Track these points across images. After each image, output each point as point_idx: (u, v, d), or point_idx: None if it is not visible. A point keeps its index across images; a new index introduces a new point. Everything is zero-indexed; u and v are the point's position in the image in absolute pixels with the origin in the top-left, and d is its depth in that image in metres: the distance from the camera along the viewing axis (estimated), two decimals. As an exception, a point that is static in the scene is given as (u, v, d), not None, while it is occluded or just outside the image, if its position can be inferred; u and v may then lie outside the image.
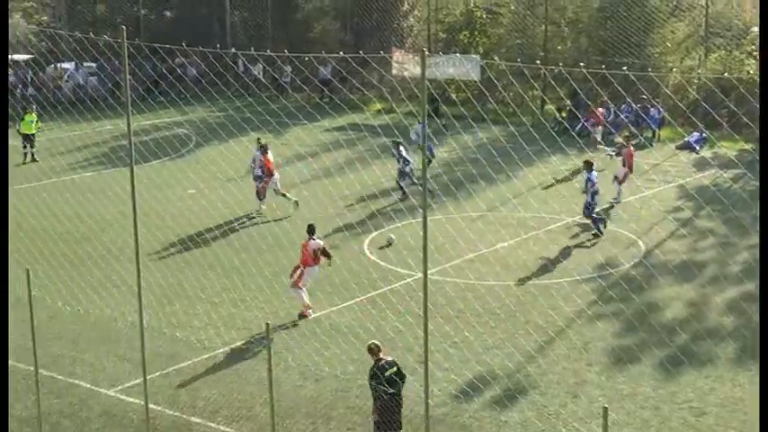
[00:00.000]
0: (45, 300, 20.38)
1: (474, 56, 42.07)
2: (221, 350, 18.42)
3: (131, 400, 16.49)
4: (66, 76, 49.00)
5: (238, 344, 18.65)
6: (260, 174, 27.96)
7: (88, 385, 17.17)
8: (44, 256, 23.99)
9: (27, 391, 16.70)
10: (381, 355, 14.37)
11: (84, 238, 25.75)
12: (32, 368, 15.13)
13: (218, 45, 40.18)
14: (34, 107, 36.67)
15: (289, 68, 46.05)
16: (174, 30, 52.18)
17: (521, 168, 29.79)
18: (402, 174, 29.19)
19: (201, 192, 29.36)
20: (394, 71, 42.70)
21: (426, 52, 11.37)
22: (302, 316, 20.05)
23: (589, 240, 24.92)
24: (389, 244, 24.27)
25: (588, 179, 25.21)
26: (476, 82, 39.91)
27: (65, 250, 24.33)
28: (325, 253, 20.22)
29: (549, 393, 16.57)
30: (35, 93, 45.78)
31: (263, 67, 47.86)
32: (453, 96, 39.59)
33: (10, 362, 17.95)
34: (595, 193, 25.08)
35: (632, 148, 29.01)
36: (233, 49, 46.44)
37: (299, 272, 20.07)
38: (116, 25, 51.14)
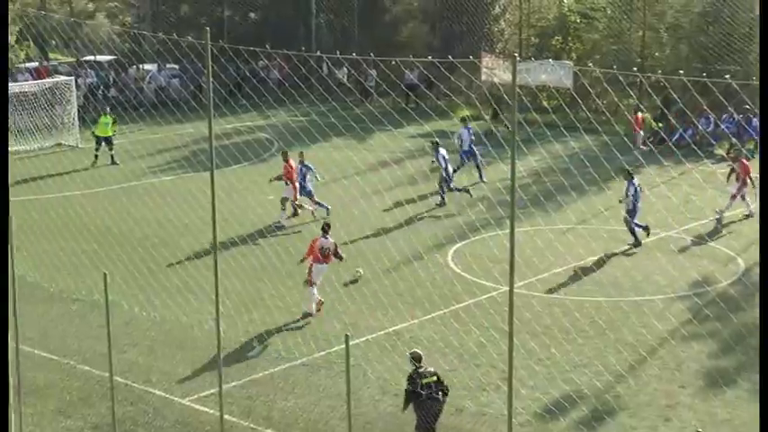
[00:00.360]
0: (122, 305, 20.74)
1: (567, 62, 41.75)
2: (299, 361, 18.54)
3: (206, 409, 16.69)
4: (148, 78, 49.88)
5: (316, 355, 18.76)
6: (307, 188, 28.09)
7: (163, 393, 17.42)
8: (122, 260, 24.45)
9: (102, 398, 17.01)
10: (422, 364, 14.95)
11: (162, 242, 26.16)
12: (107, 374, 15.39)
13: (303, 48, 40.62)
14: (108, 109, 37.44)
15: (374, 72, 46.21)
16: (259, 32, 52.79)
17: (614, 179, 29.45)
18: (443, 178, 29.22)
19: (281, 197, 29.55)
20: (483, 77, 42.57)
21: (517, 57, 11.32)
22: (307, 314, 20.77)
23: (627, 250, 25.00)
24: (356, 279, 22.79)
25: (631, 189, 25.26)
26: (568, 89, 39.60)
27: (143, 255, 24.74)
28: (336, 254, 21.08)
29: (639, 415, 16.33)
30: (117, 94, 46.68)
31: (348, 70, 48.12)
32: (545, 104, 39.31)
33: (85, 368, 18.38)
34: (636, 202, 25.13)
35: (745, 160, 28.38)
36: (317, 52, 46.81)
37: (307, 272, 20.99)
38: (200, 26, 51.74)
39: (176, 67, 49.76)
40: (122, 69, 49.49)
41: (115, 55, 51.44)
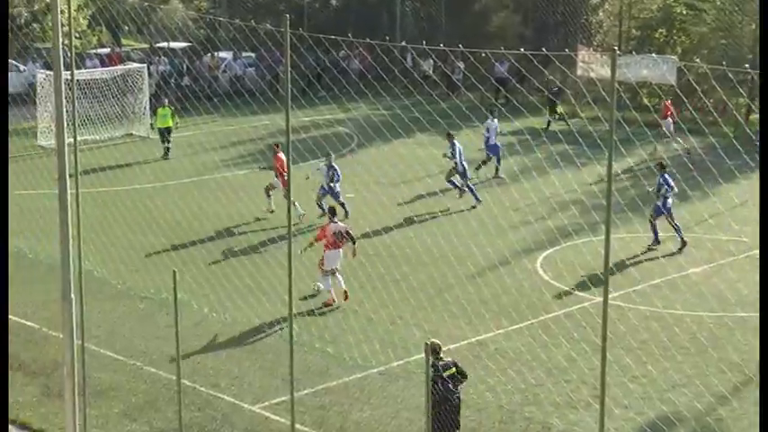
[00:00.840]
0: (191, 305, 20.98)
1: (671, 57, 41.22)
2: (375, 370, 18.56)
3: (276, 418, 16.79)
4: (223, 67, 50.44)
5: (394, 364, 18.76)
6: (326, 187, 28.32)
7: (231, 399, 17.57)
8: (192, 257, 24.75)
9: (168, 402, 17.21)
10: (442, 356, 14.95)
11: (234, 240, 26.41)
12: (174, 377, 15.57)
13: (387, 37, 40.68)
14: (166, 101, 37.97)
15: (462, 65, 46.13)
16: (340, 19, 53.13)
17: (720, 184, 28.95)
18: (458, 171, 29.91)
19: (361, 196, 29.68)
20: (579, 71, 42.24)
21: (617, 51, 11.19)
22: (327, 305, 21.66)
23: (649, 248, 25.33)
24: (316, 294, 22.23)
25: (662, 182, 25.66)
26: (672, 86, 39.09)
27: (214, 252, 24.99)
28: (349, 236, 21.98)
29: (743, 442, 16.05)
30: (190, 83, 47.21)
31: (434, 62, 48.10)
32: (646, 101, 38.87)
33: (152, 370, 18.63)
34: (667, 198, 25.58)
35: None
36: (402, 42, 46.88)
37: (319, 260, 21.97)
38: (278, 13, 52.36)
39: (253, 55, 50.26)
40: (196, 57, 50.10)
41: (189, 42, 52.13)
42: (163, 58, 49.80)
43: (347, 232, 22.08)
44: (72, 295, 14.23)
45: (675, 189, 25.82)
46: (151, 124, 37.48)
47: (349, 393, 17.71)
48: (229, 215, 27.89)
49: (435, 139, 36.27)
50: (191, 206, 28.54)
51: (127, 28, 63.39)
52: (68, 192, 14.16)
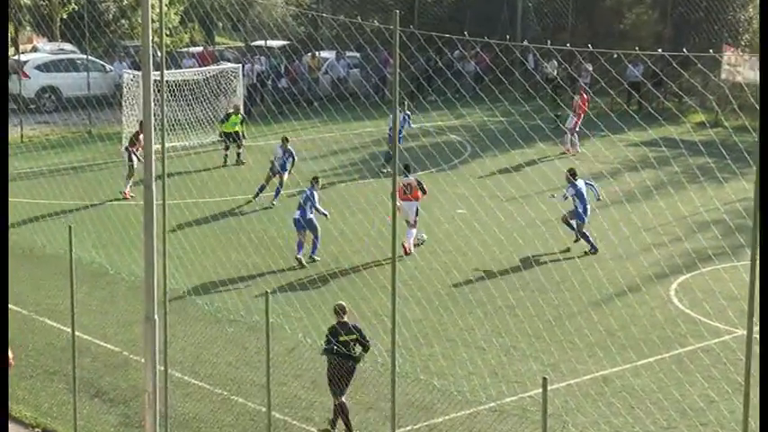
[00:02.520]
0: (284, 329, 21.15)
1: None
2: (486, 406, 18.48)
3: (375, 456, 16.82)
4: (324, 67, 50.84)
5: (507, 400, 18.67)
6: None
7: (326, 434, 17.67)
8: (286, 277, 24.97)
9: (257, 435, 17.38)
10: (345, 319, 17.12)
11: (332, 258, 26.56)
12: (264, 409, 15.70)
13: (507, 36, 40.60)
14: (240, 108, 38.49)
15: (590, 67, 45.78)
16: (455, 16, 53.21)
17: None
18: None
19: (474, 212, 29.63)
20: (724, 75, 41.65)
21: None
22: (406, 252, 26.34)
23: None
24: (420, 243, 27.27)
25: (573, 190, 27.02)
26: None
27: (309, 272, 25.18)
28: (421, 188, 27.02)
29: None
30: (288, 85, 47.67)
31: (559, 63, 47.85)
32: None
33: (239, 400, 18.82)
34: (581, 202, 26.89)
35: None
36: (523, 41, 46.76)
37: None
38: (387, 9, 52.72)
39: (358, 55, 50.57)
40: (296, 57, 50.59)
41: (289, 40, 52.66)
42: (259, 57, 50.37)
43: (417, 182, 26.96)
44: (155, 316, 14.47)
45: (586, 198, 27.04)
46: (220, 128, 38.04)
47: (456, 431, 17.67)
48: (328, 231, 28.07)
49: (559, 149, 36.10)
50: (285, 220, 28.78)
51: (221, 25, 64.40)
52: (155, 202, 14.40)
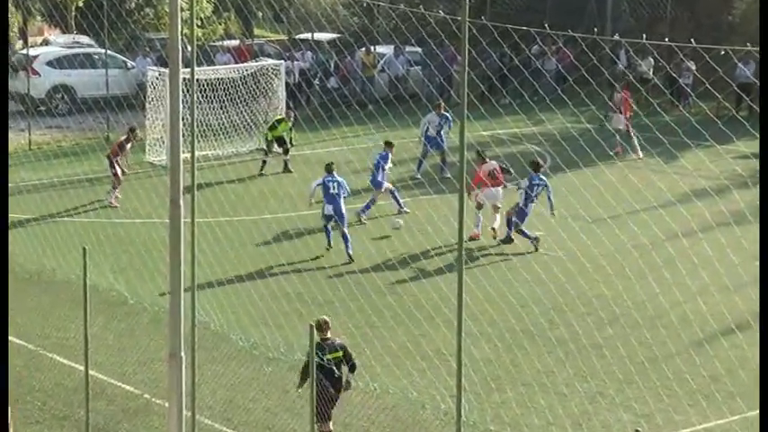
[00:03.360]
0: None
1: None
2: (568, 463, 18.42)
3: None
4: (381, 65, 50.89)
5: (593, 456, 18.60)
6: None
7: (380, 492, 17.65)
8: (333, 309, 24.95)
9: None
10: (329, 335, 17.84)
11: (387, 287, 26.49)
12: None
13: (594, 29, 40.47)
14: (292, 115, 38.73)
15: (692, 65, 45.57)
16: (533, 6, 53.06)
17: None
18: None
19: (555, 234, 29.53)
20: None
21: None
22: (472, 238, 29.06)
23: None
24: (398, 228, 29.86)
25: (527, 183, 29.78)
26: None
27: (361, 302, 25.17)
28: (504, 170, 30.41)
29: None
30: (338, 86, 47.70)
31: (656, 61, 47.68)
32: None
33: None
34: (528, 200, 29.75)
35: None
36: (614, 36, 46.59)
37: (473, 194, 29.50)
38: (454, -3, 52.79)
39: (419, 51, 50.59)
40: (347, 52, 50.68)
41: (340, 33, 52.80)
42: (308, 52, 50.52)
43: (501, 167, 30.46)
44: (182, 353, 14.50)
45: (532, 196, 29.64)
46: (265, 134, 38.28)
47: (532, 492, 17.63)
48: (381, 253, 28.05)
49: (654, 161, 35.91)
50: (337, 243, 28.81)
51: (261, 15, 64.71)
52: (182, 220, 14.39)
